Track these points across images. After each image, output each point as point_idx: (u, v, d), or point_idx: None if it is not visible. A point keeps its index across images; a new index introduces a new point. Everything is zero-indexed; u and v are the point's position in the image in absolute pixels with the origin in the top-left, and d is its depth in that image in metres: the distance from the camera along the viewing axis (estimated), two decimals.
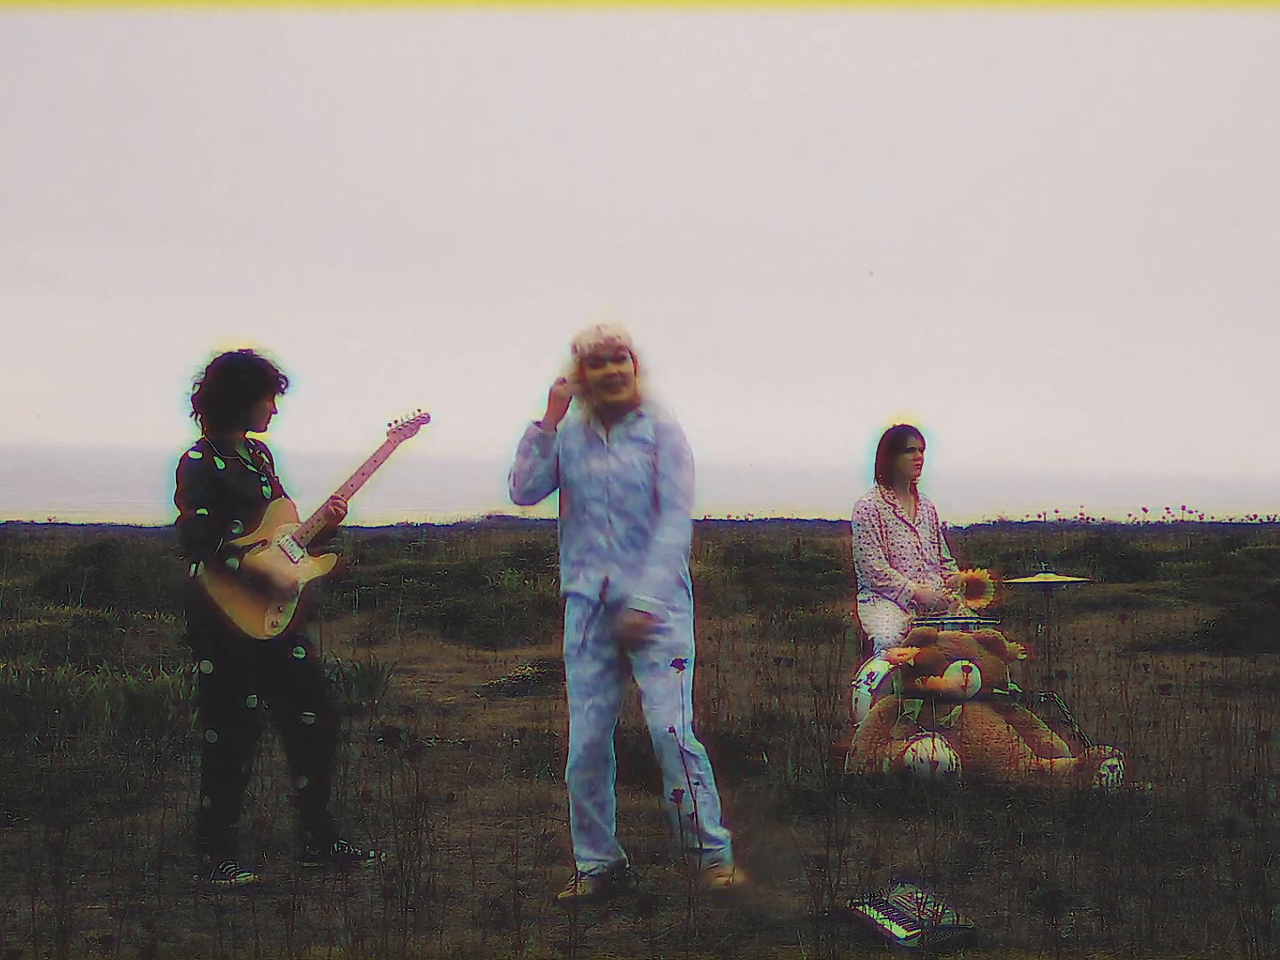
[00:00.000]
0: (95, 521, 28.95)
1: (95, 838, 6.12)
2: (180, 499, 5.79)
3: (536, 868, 5.72)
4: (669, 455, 5.64)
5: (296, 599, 5.85)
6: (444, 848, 5.97)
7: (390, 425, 6.13)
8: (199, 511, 5.75)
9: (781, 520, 32.43)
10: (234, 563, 5.74)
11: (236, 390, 5.85)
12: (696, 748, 5.53)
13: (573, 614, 5.67)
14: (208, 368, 5.88)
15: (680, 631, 5.60)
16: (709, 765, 5.55)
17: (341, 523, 6.06)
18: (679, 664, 5.49)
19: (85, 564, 14.97)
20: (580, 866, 5.55)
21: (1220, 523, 30.40)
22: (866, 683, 7.77)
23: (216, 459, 5.81)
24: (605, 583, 5.57)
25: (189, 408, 5.90)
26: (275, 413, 5.98)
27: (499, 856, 5.94)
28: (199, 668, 5.85)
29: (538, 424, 5.64)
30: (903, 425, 8.25)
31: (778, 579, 17.58)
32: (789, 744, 7.57)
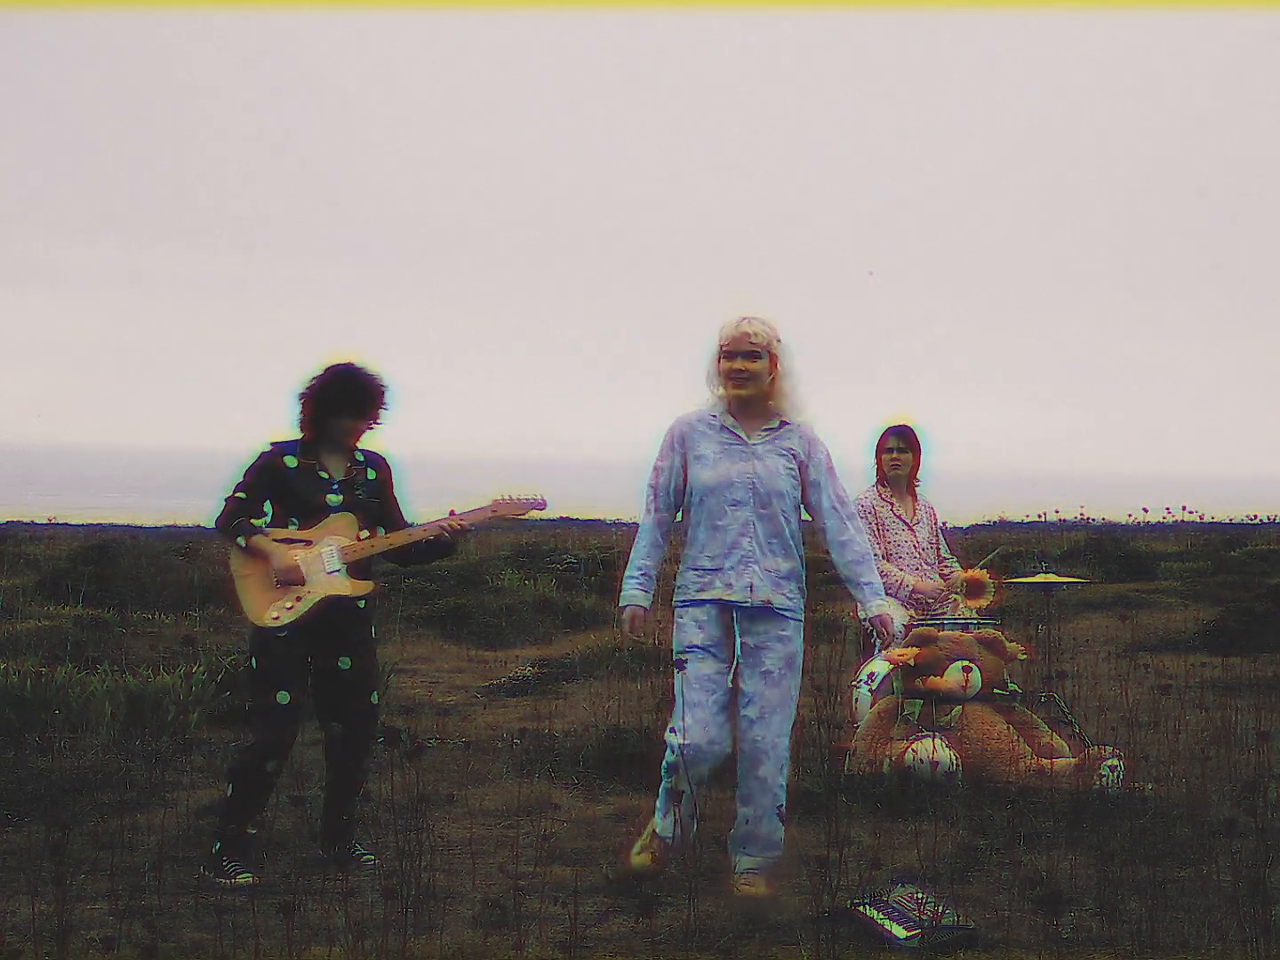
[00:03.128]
0: (95, 521, 28.92)
1: (95, 838, 6.11)
2: (235, 480, 5.95)
3: (536, 868, 5.72)
4: (823, 467, 5.55)
5: (312, 602, 5.78)
6: (444, 848, 5.96)
7: (499, 498, 6.09)
8: (238, 495, 5.89)
9: None
10: (241, 540, 5.81)
11: (323, 401, 5.91)
12: (787, 760, 5.55)
13: (693, 616, 5.47)
14: (315, 374, 5.95)
15: (797, 639, 5.50)
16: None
17: (443, 539, 5.97)
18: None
19: (85, 564, 14.93)
20: (660, 831, 5.57)
21: (1220, 523, 30.37)
22: (866, 683, 7.77)
23: (289, 458, 5.91)
24: (750, 588, 5.43)
25: (296, 407, 5.98)
26: (366, 429, 5.97)
27: (499, 856, 5.94)
28: (249, 663, 5.87)
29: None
30: (890, 426, 8.28)
31: None
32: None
